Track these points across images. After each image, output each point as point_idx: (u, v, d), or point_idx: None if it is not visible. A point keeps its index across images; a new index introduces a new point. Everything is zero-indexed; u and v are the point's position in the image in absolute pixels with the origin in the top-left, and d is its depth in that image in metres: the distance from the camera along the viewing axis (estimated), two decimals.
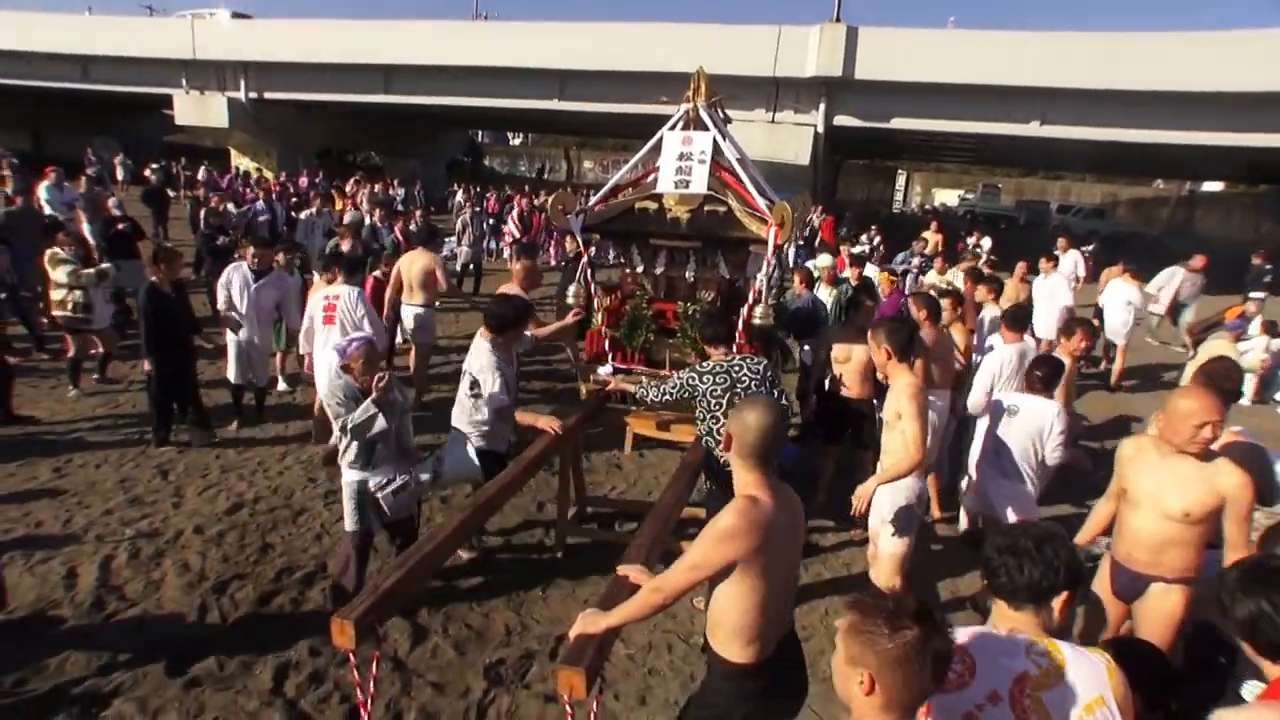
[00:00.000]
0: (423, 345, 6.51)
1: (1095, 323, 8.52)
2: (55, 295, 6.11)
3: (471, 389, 3.74)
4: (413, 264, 6.28)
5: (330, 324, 4.98)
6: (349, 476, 3.46)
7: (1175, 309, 10.42)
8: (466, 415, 3.80)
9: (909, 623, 1.27)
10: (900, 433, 3.13)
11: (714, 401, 3.48)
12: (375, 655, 2.41)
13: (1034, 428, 3.69)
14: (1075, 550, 1.60)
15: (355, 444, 3.35)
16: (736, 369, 3.50)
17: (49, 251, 6.20)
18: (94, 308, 6.18)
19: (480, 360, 3.69)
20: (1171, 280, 10.43)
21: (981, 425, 4.06)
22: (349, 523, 3.50)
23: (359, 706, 2.52)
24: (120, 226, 8.66)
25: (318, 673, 3.18)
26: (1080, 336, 4.39)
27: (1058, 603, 1.55)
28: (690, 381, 3.53)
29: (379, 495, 3.42)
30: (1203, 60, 14.03)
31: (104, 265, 6.45)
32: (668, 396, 3.64)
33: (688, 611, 3.76)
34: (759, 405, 1.97)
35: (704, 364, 3.59)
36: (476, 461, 3.70)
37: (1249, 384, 8.18)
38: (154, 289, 5.08)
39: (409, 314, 6.34)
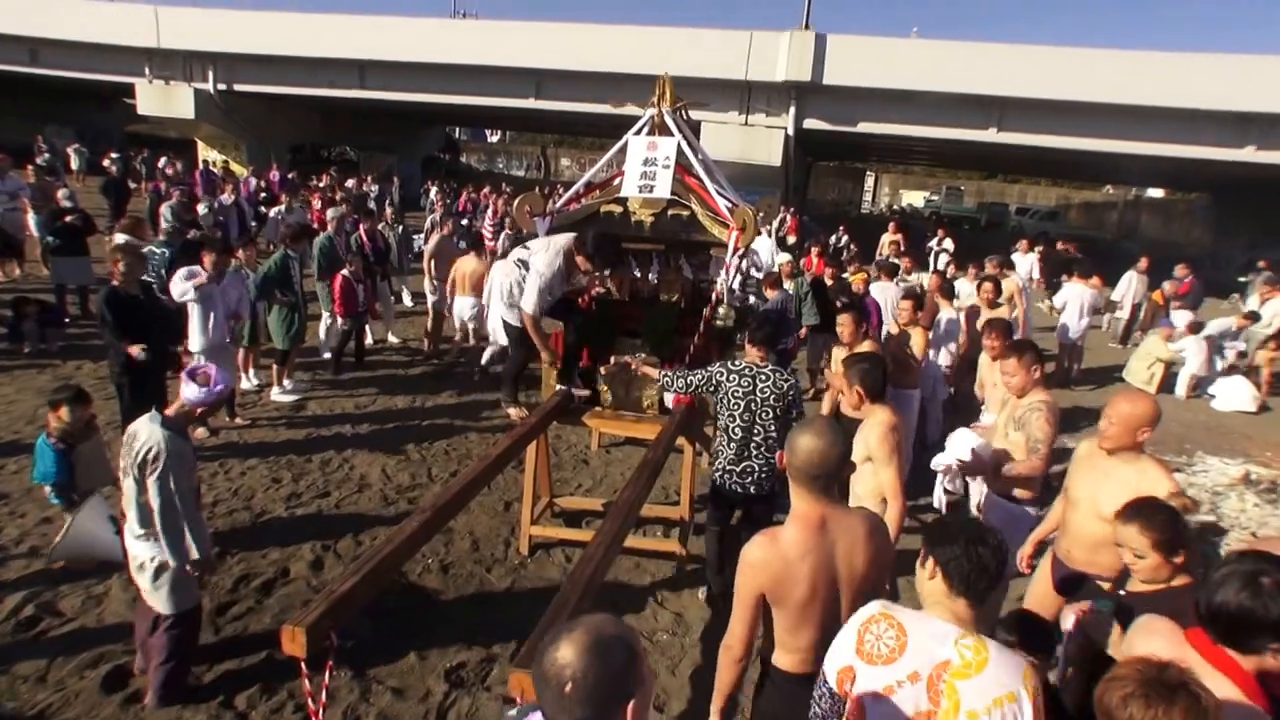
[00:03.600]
0: (476, 332, 7.94)
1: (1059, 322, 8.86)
2: None
3: (522, 264, 4.07)
4: (466, 265, 7.61)
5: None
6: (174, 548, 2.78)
7: (1136, 312, 10.89)
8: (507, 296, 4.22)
9: None
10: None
11: (733, 401, 3.52)
12: (328, 664, 2.37)
13: None
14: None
15: (180, 506, 2.75)
16: (762, 378, 3.51)
17: None
18: None
19: (546, 257, 3.99)
20: (1130, 286, 10.90)
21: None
22: (176, 602, 2.85)
23: (311, 716, 2.49)
24: (69, 219, 8.36)
25: (271, 683, 3.12)
26: (992, 335, 4.54)
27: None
28: (717, 376, 3.57)
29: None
30: (1143, 77, 15.00)
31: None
32: (693, 386, 3.68)
33: (651, 610, 3.83)
34: (812, 429, 1.98)
35: (735, 362, 3.62)
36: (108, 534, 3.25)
37: (1182, 380, 8.72)
38: (114, 294, 4.61)
39: (465, 305, 7.63)
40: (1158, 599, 2.04)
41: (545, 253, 4.04)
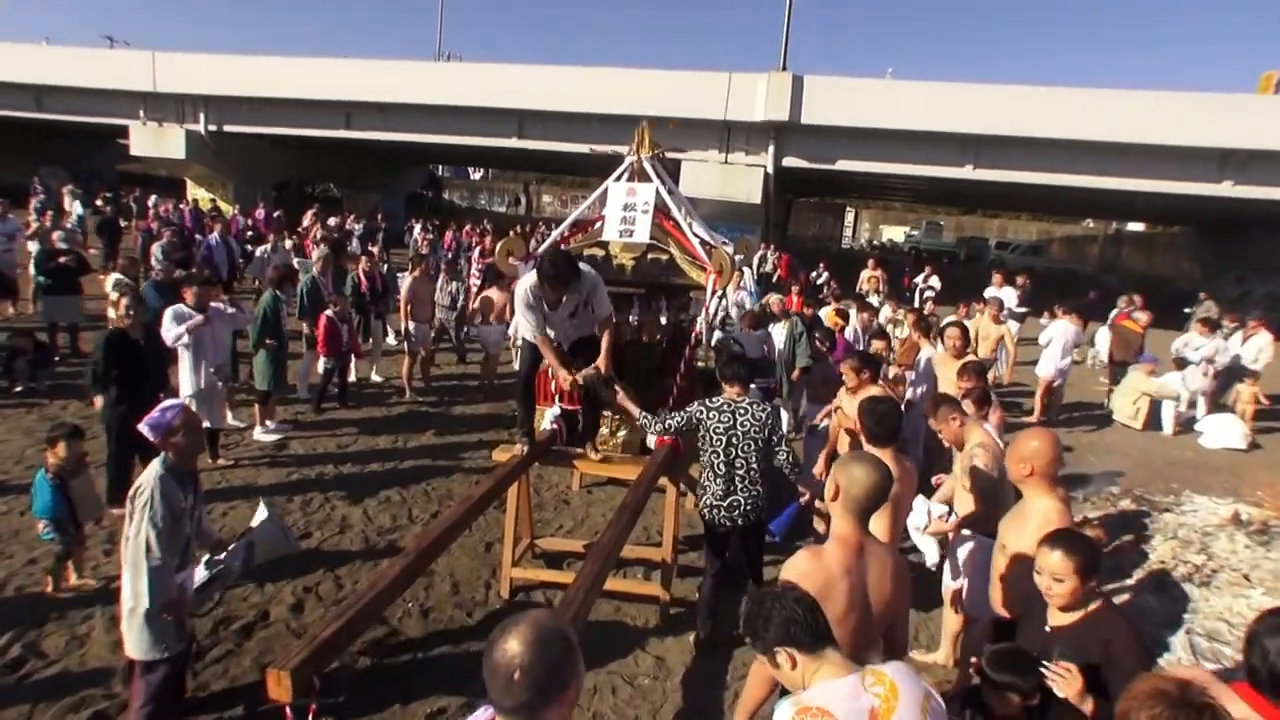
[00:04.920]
0: (492, 354, 8.91)
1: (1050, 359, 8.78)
2: None
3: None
4: (492, 297, 8.72)
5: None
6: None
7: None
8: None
9: None
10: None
11: (714, 437, 3.63)
12: (311, 708, 2.39)
13: None
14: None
15: (149, 549, 2.71)
16: (741, 411, 3.63)
17: None
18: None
19: (522, 282, 3.95)
20: None
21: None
22: (144, 648, 2.77)
23: None
24: (62, 259, 8.45)
25: None
26: (966, 378, 4.67)
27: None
28: (697, 415, 3.68)
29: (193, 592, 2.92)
30: (1118, 115, 15.50)
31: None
32: (672, 429, 3.76)
33: (632, 654, 3.84)
34: (866, 461, 2.10)
35: (713, 399, 3.73)
36: (288, 538, 3.36)
37: (1168, 415, 8.65)
38: (115, 336, 4.72)
39: (490, 333, 8.69)
40: (1083, 628, 2.11)
41: (524, 279, 4.13)
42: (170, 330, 5.35)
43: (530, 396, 4.35)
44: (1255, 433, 8.44)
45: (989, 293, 10.73)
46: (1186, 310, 13.45)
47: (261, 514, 3.25)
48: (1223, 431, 8.31)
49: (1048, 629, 2.21)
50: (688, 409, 3.74)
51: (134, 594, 2.74)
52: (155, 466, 2.80)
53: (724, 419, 3.62)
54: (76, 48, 24.10)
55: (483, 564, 4.62)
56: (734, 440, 3.60)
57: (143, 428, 2.82)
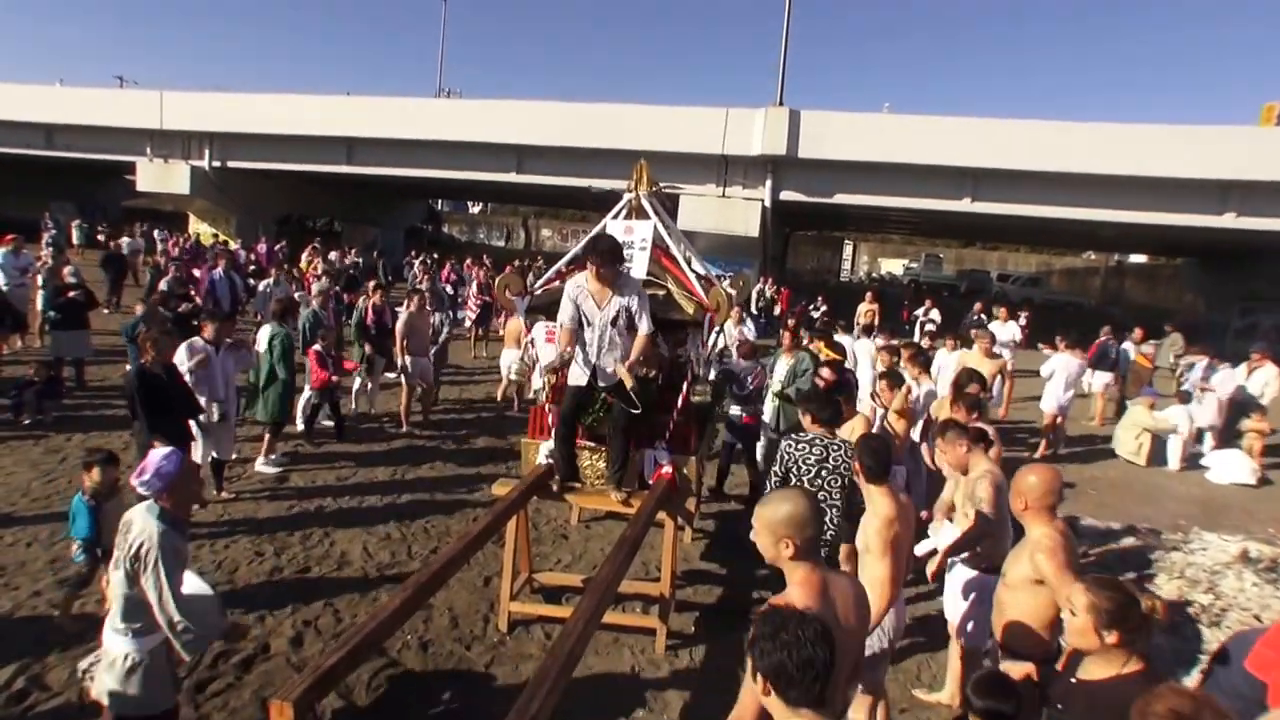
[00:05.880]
0: (518, 379, 9.05)
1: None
2: None
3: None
4: (512, 324, 8.82)
5: (550, 342, 5.65)
6: (149, 642, 2.62)
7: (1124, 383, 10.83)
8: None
9: None
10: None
11: (805, 467, 3.77)
12: None
13: None
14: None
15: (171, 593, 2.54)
16: (835, 448, 3.77)
17: None
18: None
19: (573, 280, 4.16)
20: (1125, 357, 10.83)
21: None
22: (146, 703, 2.65)
23: None
24: (72, 294, 8.60)
25: None
26: (958, 409, 4.69)
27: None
28: (787, 449, 3.82)
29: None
30: (1118, 149, 15.68)
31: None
32: (776, 479, 3.84)
33: (629, 688, 3.82)
34: (778, 496, 2.00)
35: (803, 433, 3.87)
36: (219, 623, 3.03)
37: (1173, 450, 8.52)
38: (143, 372, 4.88)
39: (508, 356, 8.94)
40: (1112, 689, 1.99)
41: (579, 276, 4.23)
42: (181, 364, 5.51)
43: (570, 438, 4.35)
44: (1264, 468, 8.30)
45: (992, 326, 10.73)
46: (1156, 341, 13.53)
47: (198, 586, 2.98)
48: (1231, 467, 8.18)
49: (1073, 680, 2.11)
50: (779, 458, 3.84)
51: (181, 646, 2.58)
52: (152, 522, 2.55)
53: (816, 452, 3.79)
54: (86, 88, 24.76)
55: (480, 598, 4.61)
56: (823, 473, 3.75)
57: (138, 483, 2.58)
